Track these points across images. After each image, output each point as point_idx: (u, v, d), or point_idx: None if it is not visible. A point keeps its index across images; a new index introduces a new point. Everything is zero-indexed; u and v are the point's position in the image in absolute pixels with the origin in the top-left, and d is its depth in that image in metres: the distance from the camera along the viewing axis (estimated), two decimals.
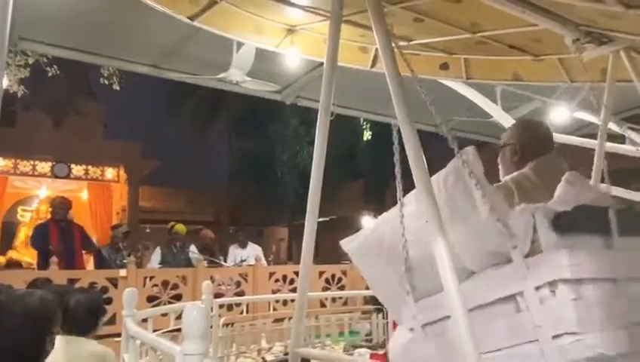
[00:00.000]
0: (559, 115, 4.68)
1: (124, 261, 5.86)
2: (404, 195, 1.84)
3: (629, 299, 1.38)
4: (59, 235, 6.14)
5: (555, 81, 3.33)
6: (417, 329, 1.71)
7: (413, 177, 1.58)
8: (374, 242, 1.88)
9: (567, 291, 1.33)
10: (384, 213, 1.89)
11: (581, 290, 1.34)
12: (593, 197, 1.54)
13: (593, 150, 3.01)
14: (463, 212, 1.55)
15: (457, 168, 1.56)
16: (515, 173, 2.02)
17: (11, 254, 9.67)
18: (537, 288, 1.38)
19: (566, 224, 1.37)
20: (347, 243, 1.99)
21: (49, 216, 7.26)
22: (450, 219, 1.55)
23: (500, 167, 2.24)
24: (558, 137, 4.51)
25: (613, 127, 3.26)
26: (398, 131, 1.82)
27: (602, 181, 2.99)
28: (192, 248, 6.93)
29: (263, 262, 7.04)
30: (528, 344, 1.41)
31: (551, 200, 1.51)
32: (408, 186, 1.81)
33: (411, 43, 3.03)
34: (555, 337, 1.34)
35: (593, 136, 3.20)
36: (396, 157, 1.93)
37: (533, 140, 2.14)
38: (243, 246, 7.64)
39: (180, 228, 6.95)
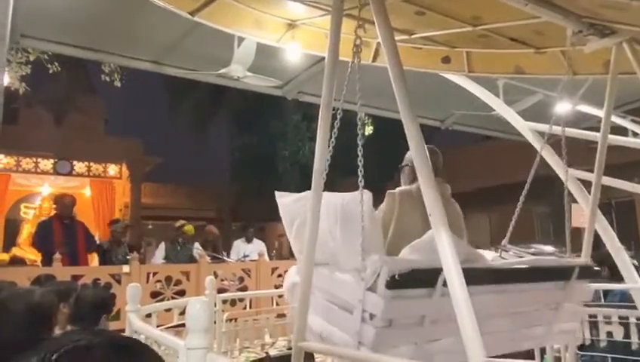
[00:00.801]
0: (562, 107, 4.66)
1: (128, 257, 5.87)
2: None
3: (429, 327, 2.08)
4: (62, 232, 6.15)
5: (558, 73, 3.30)
6: (299, 279, 2.28)
7: (416, 171, 1.58)
8: (297, 208, 2.50)
9: (377, 322, 1.97)
10: (308, 191, 2.29)
11: (388, 323, 1.99)
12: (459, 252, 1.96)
13: (596, 143, 3.00)
14: (348, 231, 2.15)
15: (355, 201, 2.12)
16: (404, 187, 2.70)
17: (15, 251, 9.70)
18: (364, 311, 2.01)
19: (396, 284, 1.94)
20: (280, 196, 2.63)
21: (52, 213, 7.26)
22: (341, 227, 2.20)
23: (401, 182, 2.85)
24: (559, 130, 4.51)
25: (616, 119, 3.25)
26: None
27: (605, 174, 2.98)
28: (197, 245, 6.95)
29: (266, 257, 7.06)
30: (350, 334, 2.07)
31: (404, 249, 2.17)
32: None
33: (413, 37, 3.02)
34: (359, 344, 2.03)
35: (596, 129, 3.19)
36: (331, 147, 2.30)
37: None
38: (249, 241, 7.66)
39: (189, 229, 6.96)
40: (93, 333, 0.66)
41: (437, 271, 1.91)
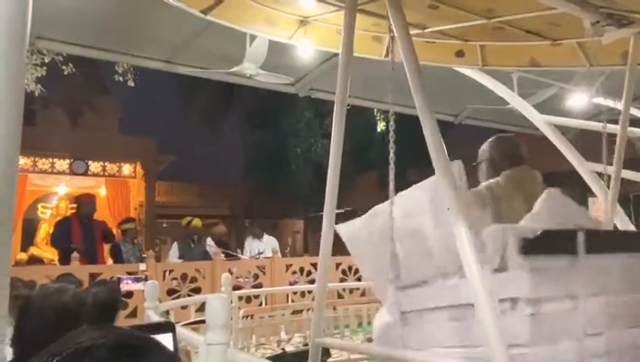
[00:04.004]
0: (577, 100, 4.60)
1: (144, 255, 5.93)
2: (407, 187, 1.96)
3: (585, 313, 1.55)
4: (81, 232, 6.23)
5: (574, 65, 3.26)
6: (396, 315, 1.88)
7: (433, 165, 1.57)
8: (366, 231, 2.05)
9: (525, 308, 1.50)
10: (377, 206, 2.02)
11: (538, 307, 1.50)
12: (570, 215, 1.71)
13: (614, 136, 2.96)
14: (446, 219, 1.65)
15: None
16: (488, 181, 2.22)
17: (33, 251, 9.86)
18: (500, 301, 1.52)
19: (532, 248, 1.51)
20: (342, 228, 2.16)
21: (69, 213, 7.34)
22: (434, 222, 1.73)
23: (480, 182, 2.39)
24: (576, 123, 4.45)
25: (635, 112, 3.19)
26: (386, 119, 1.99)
27: (624, 168, 2.94)
28: (209, 241, 6.99)
29: (279, 254, 7.08)
30: (481, 348, 1.53)
31: (524, 218, 1.68)
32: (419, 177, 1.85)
33: (426, 31, 3.00)
34: (508, 347, 1.46)
35: (613, 122, 3.13)
36: (391, 146, 2.04)
37: (503, 155, 2.38)
38: (259, 237, 7.67)
39: (197, 222, 7.01)
40: (101, 332, 0.62)
41: (573, 233, 1.56)
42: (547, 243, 1.54)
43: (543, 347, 1.49)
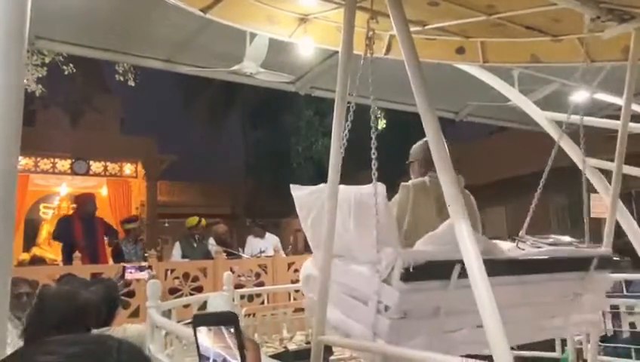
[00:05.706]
0: (579, 96, 4.58)
1: (146, 254, 5.94)
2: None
3: (444, 320, 2.13)
4: (82, 230, 6.24)
5: (575, 61, 3.25)
6: (315, 271, 2.37)
7: (434, 162, 1.57)
8: (312, 200, 2.55)
9: (392, 314, 2.03)
10: (323, 184, 2.37)
11: (403, 315, 2.05)
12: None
13: (614, 132, 2.95)
14: (363, 224, 2.16)
15: (369, 194, 2.13)
16: (417, 179, 2.76)
17: (35, 251, 9.88)
18: (379, 302, 2.06)
19: (410, 275, 1.97)
20: (295, 190, 2.67)
21: (70, 212, 7.35)
22: (355, 220, 2.22)
23: (412, 177, 2.89)
24: (578, 119, 4.44)
25: (636, 107, 3.18)
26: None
27: (625, 163, 2.93)
28: (211, 241, 7.00)
29: (282, 253, 7.07)
30: (365, 326, 2.12)
31: (422, 239, 2.20)
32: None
33: (426, 28, 2.99)
34: (374, 335, 2.07)
35: (614, 118, 3.13)
36: (344, 142, 2.42)
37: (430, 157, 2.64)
38: (260, 236, 7.67)
39: (204, 222, 7.04)
40: (63, 345, 0.62)
41: (452, 263, 1.95)
42: (425, 272, 1.96)
43: (398, 340, 2.00)
